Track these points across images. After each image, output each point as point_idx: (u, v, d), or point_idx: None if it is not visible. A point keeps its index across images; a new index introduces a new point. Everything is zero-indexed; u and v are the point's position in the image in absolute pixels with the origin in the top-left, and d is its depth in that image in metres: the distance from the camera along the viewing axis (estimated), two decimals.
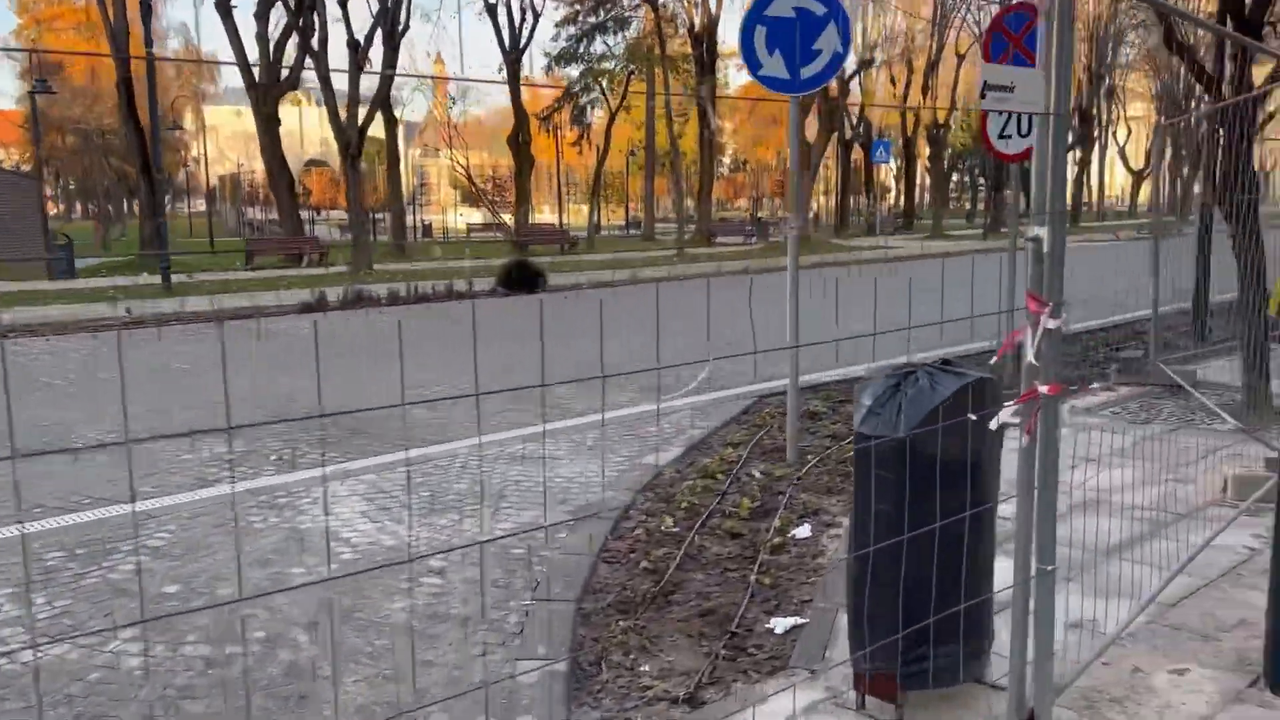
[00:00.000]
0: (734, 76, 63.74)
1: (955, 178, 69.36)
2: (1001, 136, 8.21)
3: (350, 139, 21.40)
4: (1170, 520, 4.75)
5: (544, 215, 55.12)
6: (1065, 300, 2.34)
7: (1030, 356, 2.38)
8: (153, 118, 17.22)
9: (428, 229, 43.99)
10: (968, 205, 64.42)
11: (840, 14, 5.55)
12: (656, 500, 5.16)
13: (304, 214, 47.62)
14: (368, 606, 3.77)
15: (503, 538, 4.52)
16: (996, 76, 2.05)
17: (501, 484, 5.36)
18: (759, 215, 40.62)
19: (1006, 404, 2.45)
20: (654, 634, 3.61)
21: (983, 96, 2.01)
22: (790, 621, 3.68)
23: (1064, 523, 4.74)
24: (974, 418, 2.55)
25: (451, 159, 36.29)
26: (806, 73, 5.62)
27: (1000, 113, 8.22)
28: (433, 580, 4.02)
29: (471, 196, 43.32)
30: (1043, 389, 2.35)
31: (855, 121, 41.68)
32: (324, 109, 26.43)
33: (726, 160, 73.95)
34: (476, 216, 50.40)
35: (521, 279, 15.68)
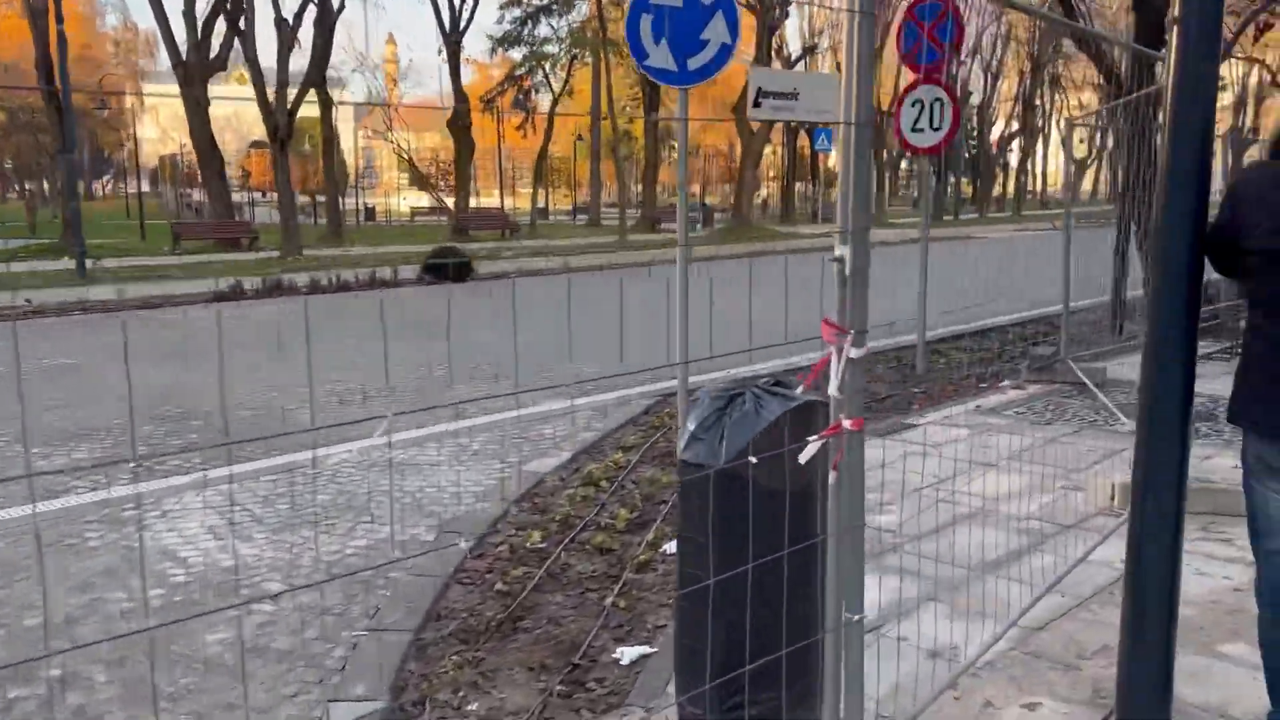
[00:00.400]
0: None
1: (905, 165, 69.65)
2: (914, 130, 8.06)
3: (279, 121, 20.77)
4: (1054, 532, 4.62)
5: (494, 199, 54.46)
6: (868, 328, 2.14)
7: (833, 388, 2.17)
8: (65, 98, 16.51)
9: (370, 212, 43.21)
10: (915, 193, 64.67)
11: (729, 3, 5.31)
12: (531, 512, 4.92)
13: (249, 196, 46.56)
14: (184, 639, 3.49)
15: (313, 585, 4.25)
16: (773, 82, 1.82)
17: (370, 495, 5.10)
18: (704, 202, 40.40)
19: (809, 438, 2.25)
20: (491, 667, 3.38)
21: (756, 105, 1.78)
22: (638, 651, 3.47)
23: (945, 535, 4.61)
24: (753, 461, 2.34)
25: (393, 142, 35.57)
26: (694, 64, 5.36)
27: (914, 104, 8.08)
28: (262, 608, 3.75)
29: (419, 180, 42.66)
30: (846, 423, 2.15)
31: None
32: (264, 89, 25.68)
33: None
34: (425, 200, 49.62)
35: (449, 268, 15.30)
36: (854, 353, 2.12)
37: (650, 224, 35.20)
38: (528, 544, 4.45)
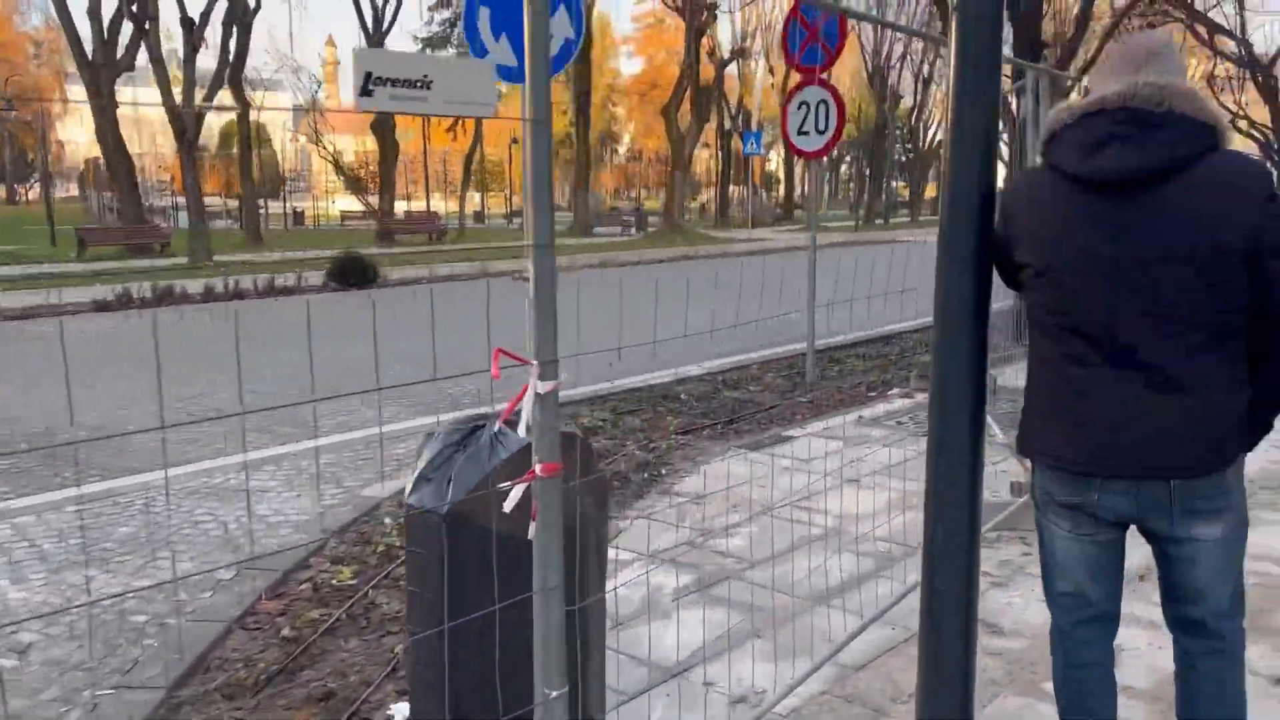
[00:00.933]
0: (625, 65, 63.22)
1: (844, 168, 70.22)
2: (800, 133, 7.85)
3: (186, 125, 20.05)
4: (902, 554, 4.39)
5: (433, 202, 53.61)
6: (558, 358, 1.84)
7: (522, 428, 1.87)
8: None
9: (299, 216, 42.25)
10: (851, 196, 65.14)
11: None
12: (354, 543, 4.56)
13: (174, 200, 45.18)
14: None
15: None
16: (391, 66, 1.51)
17: (178, 526, 4.69)
18: (639, 207, 40.19)
19: (504, 484, 1.94)
20: None
21: (366, 93, 1.47)
22: None
23: (789, 560, 4.35)
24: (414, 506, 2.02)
25: (319, 144, 34.78)
26: None
27: (799, 107, 7.86)
28: (3, 663, 3.35)
29: (350, 183, 41.79)
30: (537, 468, 1.85)
31: (734, 111, 41.56)
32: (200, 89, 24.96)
33: (622, 150, 73.61)
34: (358, 204, 48.69)
35: (353, 273, 14.82)
36: (541, 387, 1.81)
37: (583, 229, 34.90)
38: (335, 581, 4.09)
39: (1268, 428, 2.14)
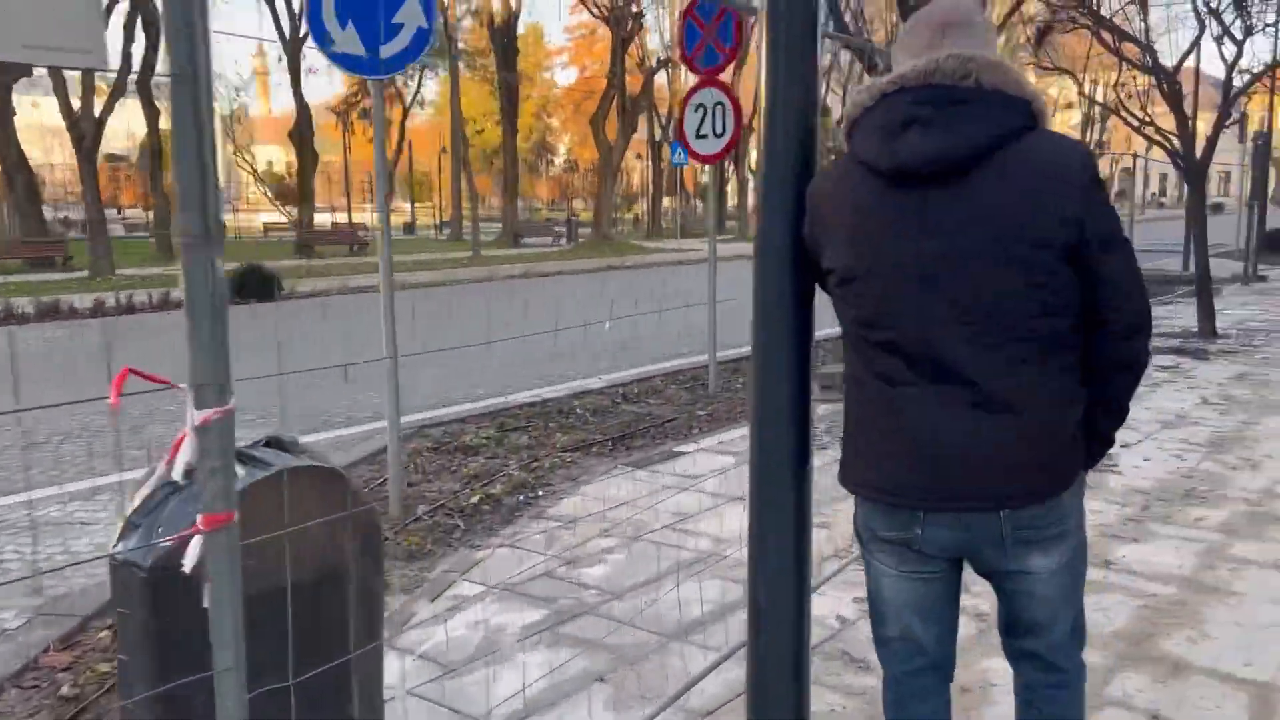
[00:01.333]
0: (560, 75, 62.95)
1: None
2: (699, 136, 7.56)
3: (85, 132, 19.18)
4: None
5: (363, 213, 52.63)
6: (228, 382, 1.46)
7: (178, 470, 1.50)
8: None
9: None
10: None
11: None
12: None
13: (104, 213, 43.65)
14: None
15: None
16: None
17: None
18: (571, 217, 39.82)
19: (166, 539, 1.56)
20: None
21: None
22: None
23: (656, 589, 4.01)
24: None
25: (238, 154, 33.81)
26: (387, 51, 4.70)
27: (696, 109, 7.58)
28: None
29: (278, 194, 40.72)
30: (199, 521, 1.47)
31: (664, 121, 41.42)
32: (135, 100, 24.11)
33: (559, 160, 73.40)
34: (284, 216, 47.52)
35: (254, 286, 14.20)
36: (196, 417, 1.44)
37: (512, 238, 34.42)
38: None
39: (1107, 443, 1.86)
